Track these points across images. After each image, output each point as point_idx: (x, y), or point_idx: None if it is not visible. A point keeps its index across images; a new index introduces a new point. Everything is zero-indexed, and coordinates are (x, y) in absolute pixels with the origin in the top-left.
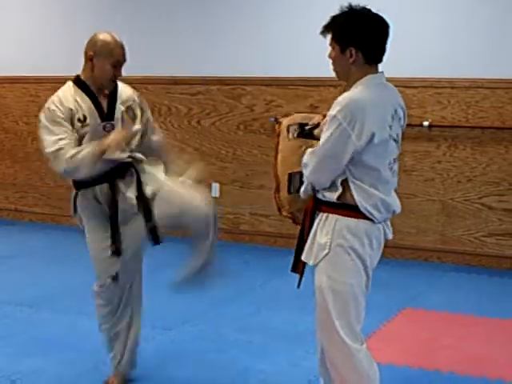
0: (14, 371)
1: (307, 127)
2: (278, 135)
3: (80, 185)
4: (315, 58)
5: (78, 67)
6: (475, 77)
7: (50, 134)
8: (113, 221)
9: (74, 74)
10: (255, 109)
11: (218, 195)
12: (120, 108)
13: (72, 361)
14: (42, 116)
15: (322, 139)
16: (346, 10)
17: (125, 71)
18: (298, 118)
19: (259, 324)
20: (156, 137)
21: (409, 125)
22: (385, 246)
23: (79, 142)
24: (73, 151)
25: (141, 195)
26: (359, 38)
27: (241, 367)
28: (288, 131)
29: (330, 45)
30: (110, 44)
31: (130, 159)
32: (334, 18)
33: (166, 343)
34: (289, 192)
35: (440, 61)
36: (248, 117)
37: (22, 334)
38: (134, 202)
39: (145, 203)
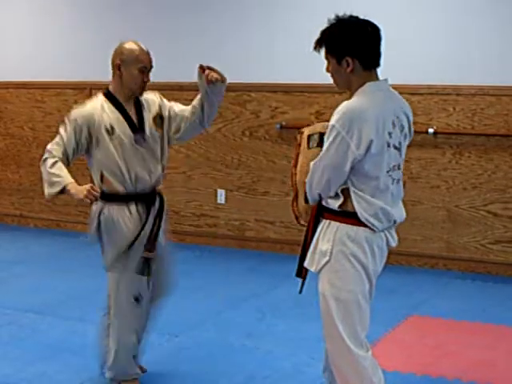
0: (20, 377)
1: (325, 136)
2: (299, 145)
3: (108, 197)
4: (321, 64)
5: (82, 72)
6: (481, 84)
7: (59, 135)
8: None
9: (79, 79)
10: (260, 115)
11: (223, 202)
12: (148, 116)
13: (77, 367)
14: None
15: (323, 150)
16: (334, 21)
17: None
18: (318, 127)
19: (264, 330)
20: (186, 109)
21: (414, 132)
22: (390, 253)
23: (112, 156)
24: (50, 164)
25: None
26: (353, 47)
27: (246, 373)
28: (309, 141)
29: (326, 58)
30: (136, 51)
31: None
32: (325, 32)
33: (172, 349)
34: (306, 201)
35: (445, 68)
36: (253, 123)
37: (27, 340)
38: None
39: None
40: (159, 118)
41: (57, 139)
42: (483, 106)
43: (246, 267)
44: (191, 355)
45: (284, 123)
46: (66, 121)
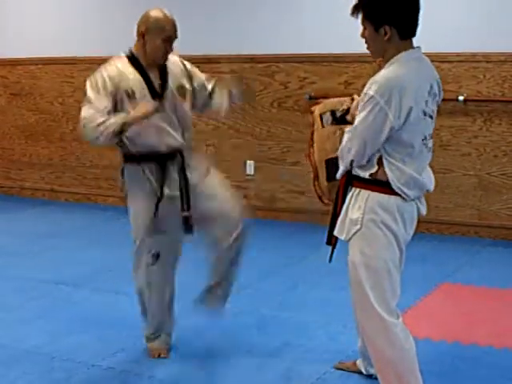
0: (54, 348)
1: (338, 114)
2: (313, 125)
3: (128, 159)
4: (349, 33)
5: (112, 47)
6: (511, 51)
7: (89, 101)
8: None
9: (109, 54)
10: (289, 86)
11: (252, 173)
12: (171, 85)
13: (110, 338)
14: (87, 82)
15: (359, 118)
16: None
17: None
18: (328, 105)
19: (297, 299)
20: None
21: (444, 99)
22: (422, 221)
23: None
24: (100, 119)
25: (185, 181)
26: (392, 15)
27: (280, 342)
28: (321, 120)
29: (362, 24)
30: (162, 20)
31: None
32: None
33: (204, 320)
34: (328, 180)
35: (475, 35)
36: (282, 94)
37: (60, 313)
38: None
39: (186, 190)
40: (181, 88)
41: (94, 110)
42: None
43: (276, 238)
44: (224, 325)
45: (313, 93)
46: (94, 83)
